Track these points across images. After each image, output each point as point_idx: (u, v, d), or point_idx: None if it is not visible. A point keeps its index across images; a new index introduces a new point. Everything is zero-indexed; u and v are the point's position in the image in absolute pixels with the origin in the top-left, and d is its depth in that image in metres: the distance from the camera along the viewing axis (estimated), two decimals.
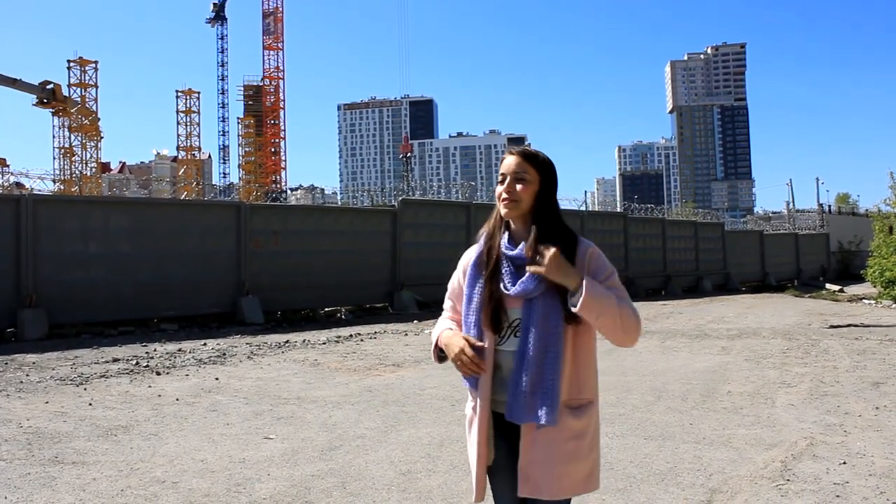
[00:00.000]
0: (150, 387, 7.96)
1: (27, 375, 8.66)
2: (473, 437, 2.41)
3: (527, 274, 2.31)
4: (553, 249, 2.22)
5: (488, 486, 2.46)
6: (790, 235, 39.74)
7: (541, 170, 2.39)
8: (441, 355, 2.48)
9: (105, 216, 13.99)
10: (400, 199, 20.05)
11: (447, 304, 2.62)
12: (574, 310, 2.21)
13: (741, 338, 12.20)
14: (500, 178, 2.42)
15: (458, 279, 2.55)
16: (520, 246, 2.36)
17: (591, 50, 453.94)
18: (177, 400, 7.26)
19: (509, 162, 2.40)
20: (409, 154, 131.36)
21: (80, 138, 66.04)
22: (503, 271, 2.38)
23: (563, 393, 2.28)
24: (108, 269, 13.72)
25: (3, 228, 12.61)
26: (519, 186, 2.36)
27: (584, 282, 2.20)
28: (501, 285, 2.36)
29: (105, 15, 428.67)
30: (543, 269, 2.23)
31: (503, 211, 2.40)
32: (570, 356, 2.30)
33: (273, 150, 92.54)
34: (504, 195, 2.37)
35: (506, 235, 2.42)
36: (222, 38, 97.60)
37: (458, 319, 2.52)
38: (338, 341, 12.02)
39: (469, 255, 2.52)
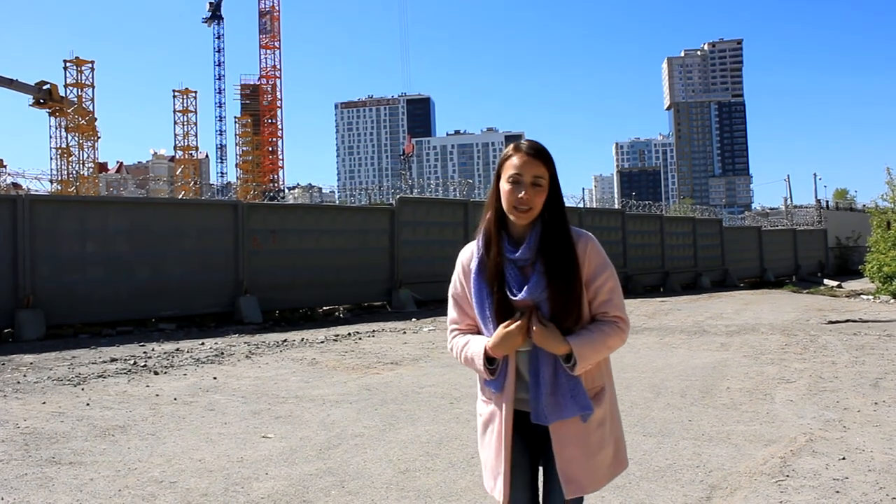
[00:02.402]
0: (147, 386, 7.94)
1: (24, 376, 8.63)
2: (494, 440, 2.37)
3: (532, 278, 2.29)
4: (536, 327, 2.23)
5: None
6: (788, 231, 39.72)
7: (551, 168, 2.33)
8: (490, 367, 2.35)
9: (102, 216, 13.95)
10: (398, 197, 20.01)
11: (452, 314, 2.50)
12: (573, 373, 2.25)
13: (740, 334, 12.20)
14: (511, 176, 2.29)
15: (460, 281, 2.46)
16: (521, 248, 2.32)
17: (588, 47, 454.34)
18: (175, 399, 7.24)
19: (524, 163, 2.28)
20: (410, 154, 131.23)
21: (76, 138, 66.09)
22: (508, 276, 2.32)
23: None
24: (106, 269, 13.69)
25: (0, 229, 12.56)
26: (536, 194, 2.28)
27: (574, 350, 2.22)
28: (507, 291, 2.31)
29: (101, 15, 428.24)
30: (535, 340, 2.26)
31: (515, 218, 2.31)
32: None
33: (270, 149, 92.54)
34: (523, 206, 2.27)
35: (506, 238, 2.36)
36: (219, 38, 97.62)
37: (471, 326, 2.45)
38: (336, 340, 12.00)
39: (465, 256, 2.45)
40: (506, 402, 2.34)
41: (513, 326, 2.25)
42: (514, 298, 2.29)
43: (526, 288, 2.28)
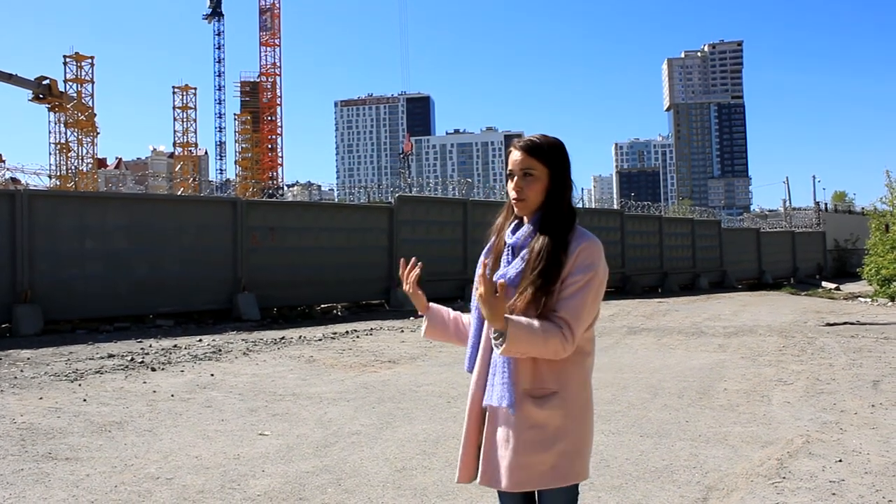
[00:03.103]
0: (144, 383, 7.93)
1: (21, 371, 8.62)
2: (464, 421, 2.42)
3: (513, 261, 2.33)
4: (480, 289, 2.13)
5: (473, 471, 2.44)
6: (787, 233, 39.76)
7: (548, 161, 2.33)
8: (426, 327, 2.64)
9: (101, 212, 13.93)
10: (397, 195, 19.99)
11: None
12: (499, 351, 2.18)
13: (737, 335, 12.20)
14: (507, 172, 2.39)
15: None
16: (517, 233, 2.36)
17: (588, 47, 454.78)
18: (172, 396, 7.23)
19: (515, 158, 2.35)
20: (409, 153, 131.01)
21: (76, 134, 65.94)
22: (502, 259, 2.39)
23: (525, 381, 2.25)
24: (104, 265, 13.68)
25: None
26: (526, 184, 2.32)
27: (509, 328, 2.12)
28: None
29: (101, 10, 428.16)
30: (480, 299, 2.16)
31: (515, 210, 2.38)
32: None
33: (270, 146, 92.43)
34: (513, 195, 2.35)
35: (513, 224, 2.42)
36: (219, 35, 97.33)
37: None
38: (334, 338, 12.00)
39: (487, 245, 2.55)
40: (473, 385, 2.39)
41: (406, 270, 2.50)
42: (494, 280, 2.29)
43: (499, 273, 2.33)
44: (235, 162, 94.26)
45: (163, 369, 8.83)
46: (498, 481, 2.26)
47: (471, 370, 2.43)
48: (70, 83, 67.04)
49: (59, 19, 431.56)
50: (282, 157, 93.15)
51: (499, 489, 2.30)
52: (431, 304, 2.60)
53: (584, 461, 2.34)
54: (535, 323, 2.17)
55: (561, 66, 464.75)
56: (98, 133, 68.45)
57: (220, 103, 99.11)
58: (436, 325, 2.61)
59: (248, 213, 15.75)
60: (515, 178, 2.34)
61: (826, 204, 53.64)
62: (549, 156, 2.33)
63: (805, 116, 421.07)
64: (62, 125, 66.45)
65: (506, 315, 2.14)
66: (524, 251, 2.31)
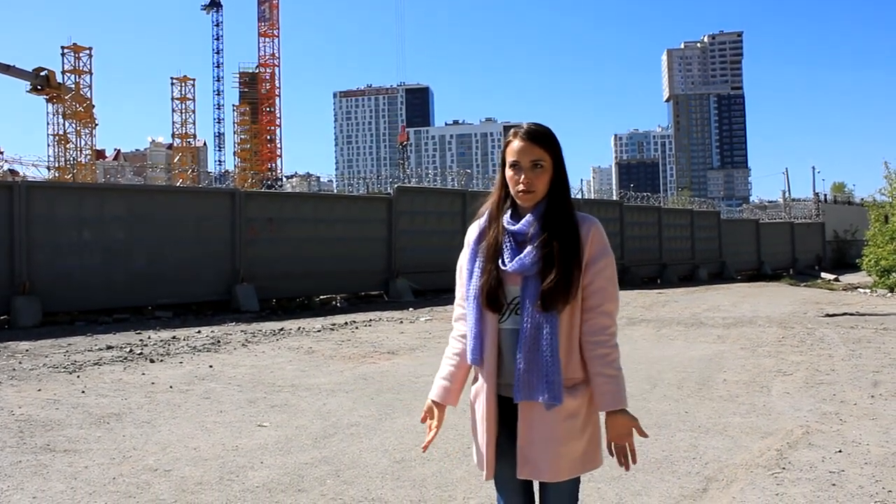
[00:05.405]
0: (143, 374, 7.92)
1: (20, 363, 8.61)
2: (479, 416, 2.38)
3: (526, 250, 2.27)
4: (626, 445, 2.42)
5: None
6: (786, 224, 39.76)
7: (552, 150, 2.30)
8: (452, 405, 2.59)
9: (99, 203, 13.90)
10: (395, 186, 19.97)
11: (458, 291, 2.51)
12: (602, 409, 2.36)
13: (737, 326, 12.20)
14: (510, 162, 2.31)
15: (464, 254, 2.48)
16: (521, 221, 2.31)
17: (587, 38, 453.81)
18: (170, 387, 7.22)
19: (522, 148, 2.28)
20: (405, 143, 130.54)
21: (74, 125, 65.82)
22: (504, 247, 2.32)
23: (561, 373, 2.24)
24: (103, 257, 13.65)
25: None
26: (535, 177, 2.28)
27: (626, 407, 2.39)
28: (500, 261, 2.30)
29: (100, 1, 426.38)
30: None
31: (519, 201, 2.32)
32: (565, 334, 2.26)
33: (268, 137, 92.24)
34: (522, 188, 2.28)
35: (509, 211, 2.36)
36: (217, 25, 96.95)
37: None
38: (333, 329, 11.98)
39: (472, 231, 2.46)
40: (487, 380, 2.33)
41: (431, 426, 2.56)
42: (504, 268, 2.28)
43: (517, 259, 2.26)
44: (234, 153, 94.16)
45: (161, 361, 8.82)
46: (540, 473, 2.29)
47: (477, 363, 2.36)
48: (68, 74, 66.88)
49: (57, 10, 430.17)
50: (280, 148, 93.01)
51: (541, 480, 2.33)
52: (441, 402, 2.58)
53: (602, 448, 2.43)
54: (613, 367, 2.32)
55: (560, 57, 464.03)
56: (96, 124, 68.32)
57: (218, 94, 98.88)
58: (453, 395, 2.57)
59: (247, 204, 15.73)
60: (523, 170, 2.28)
61: (825, 195, 53.57)
62: (553, 144, 2.32)
63: (805, 107, 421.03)
64: (60, 116, 66.32)
65: (619, 408, 2.37)
66: (535, 240, 2.27)
